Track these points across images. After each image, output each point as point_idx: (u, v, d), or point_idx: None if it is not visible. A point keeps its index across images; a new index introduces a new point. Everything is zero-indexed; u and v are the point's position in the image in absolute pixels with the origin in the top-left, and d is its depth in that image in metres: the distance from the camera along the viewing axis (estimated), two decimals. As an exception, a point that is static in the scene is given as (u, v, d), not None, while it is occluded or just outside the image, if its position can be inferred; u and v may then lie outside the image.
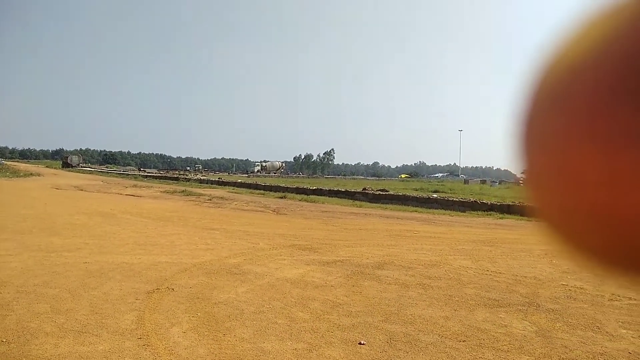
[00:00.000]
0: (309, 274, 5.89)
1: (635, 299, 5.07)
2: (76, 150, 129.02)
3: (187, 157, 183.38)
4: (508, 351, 3.60)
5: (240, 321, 4.09)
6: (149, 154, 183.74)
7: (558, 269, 6.58)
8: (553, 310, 4.68)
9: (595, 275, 0.25)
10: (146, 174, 48.95)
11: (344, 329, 3.97)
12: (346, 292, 5.15)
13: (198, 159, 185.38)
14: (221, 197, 19.35)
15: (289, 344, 3.63)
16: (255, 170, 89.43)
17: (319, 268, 6.25)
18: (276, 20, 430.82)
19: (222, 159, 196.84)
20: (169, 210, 13.63)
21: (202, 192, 22.28)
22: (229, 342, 3.62)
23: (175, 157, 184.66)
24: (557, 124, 0.24)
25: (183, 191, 22.02)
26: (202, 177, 40.58)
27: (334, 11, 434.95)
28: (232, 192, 23.39)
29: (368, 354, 3.49)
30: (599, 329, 4.16)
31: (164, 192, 22.07)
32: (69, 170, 52.03)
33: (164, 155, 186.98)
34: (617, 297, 5.17)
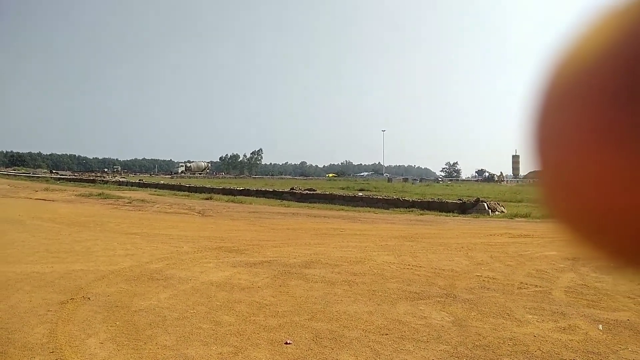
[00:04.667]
0: (235, 276, 5.81)
1: (540, 286, 5.53)
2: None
3: (104, 158, 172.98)
4: (427, 341, 3.78)
5: (162, 328, 3.95)
6: (63, 155, 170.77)
7: (473, 261, 7.02)
8: (468, 300, 4.98)
9: (605, 267, 0.27)
10: (59, 176, 45.96)
11: (270, 330, 3.97)
12: (273, 292, 5.14)
13: (117, 159, 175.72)
14: (142, 200, 18.52)
15: (213, 348, 3.56)
16: (179, 171, 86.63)
17: (246, 270, 6.19)
18: (198, 18, 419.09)
19: (144, 159, 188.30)
20: (85, 215, 12.83)
21: (121, 194, 21.18)
22: (150, 351, 3.49)
23: (91, 158, 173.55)
24: (570, 123, 0.24)
25: (100, 194, 20.82)
26: (121, 179, 38.63)
27: (254, 9, 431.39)
28: (154, 194, 22.50)
29: (294, 353, 3.51)
30: (508, 315, 4.49)
31: (79, 195, 20.74)
32: (-32, 174, 47.22)
33: (80, 156, 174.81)
34: (525, 285, 5.61)
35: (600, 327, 4.16)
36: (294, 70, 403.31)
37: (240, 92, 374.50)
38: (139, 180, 38.05)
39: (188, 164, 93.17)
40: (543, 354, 3.57)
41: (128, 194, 22.13)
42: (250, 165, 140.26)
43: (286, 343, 3.68)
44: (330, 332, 3.94)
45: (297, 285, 5.48)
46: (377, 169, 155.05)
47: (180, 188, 27.37)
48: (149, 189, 27.87)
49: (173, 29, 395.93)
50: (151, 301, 4.70)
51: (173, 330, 3.91)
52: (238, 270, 6.16)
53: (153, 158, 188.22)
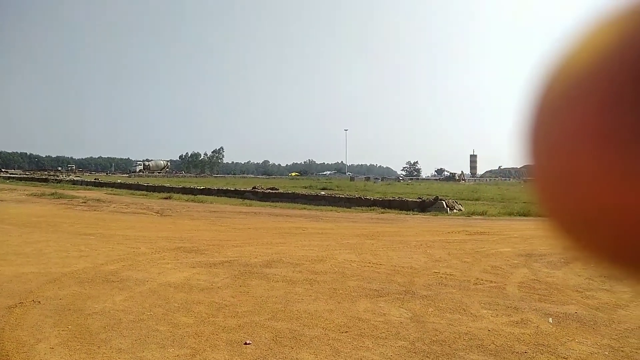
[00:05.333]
0: (195, 277, 5.70)
1: (494, 282, 5.71)
2: None
3: (58, 156, 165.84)
4: (386, 338, 3.84)
5: (117, 331, 3.83)
6: (13, 153, 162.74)
7: (431, 259, 7.16)
8: (426, 296, 5.08)
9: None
10: (8, 175, 43.84)
11: (229, 331, 3.92)
12: (233, 292, 5.08)
13: (71, 158, 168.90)
14: (97, 199, 17.93)
15: (171, 350, 3.49)
16: (137, 170, 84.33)
17: (205, 270, 6.09)
18: (155, 12, 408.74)
19: (100, 157, 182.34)
20: (36, 215, 12.29)
21: (76, 194, 20.43)
22: (105, 355, 3.38)
23: (44, 156, 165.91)
24: (565, 125, 0.24)
25: (53, 194, 20.02)
26: (75, 178, 37.30)
27: (220, 6, 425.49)
28: (110, 194, 21.83)
29: (253, 353, 3.48)
30: (464, 310, 4.61)
31: (30, 194, 19.87)
32: None
33: (32, 154, 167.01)
34: (481, 281, 5.78)
35: (551, 320, 4.34)
36: (257, 68, 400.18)
37: (201, 90, 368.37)
38: (95, 179, 36.96)
39: (147, 163, 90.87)
40: (497, 348, 3.69)
41: (83, 193, 21.40)
42: (211, 164, 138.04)
43: (246, 343, 3.65)
44: (291, 332, 3.93)
45: (257, 285, 5.44)
46: (339, 168, 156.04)
47: (138, 187, 26.72)
48: (105, 188, 27.05)
49: (131, 24, 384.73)
50: (106, 304, 4.55)
51: (128, 333, 3.80)
52: (197, 270, 6.06)
53: (110, 156, 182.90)
